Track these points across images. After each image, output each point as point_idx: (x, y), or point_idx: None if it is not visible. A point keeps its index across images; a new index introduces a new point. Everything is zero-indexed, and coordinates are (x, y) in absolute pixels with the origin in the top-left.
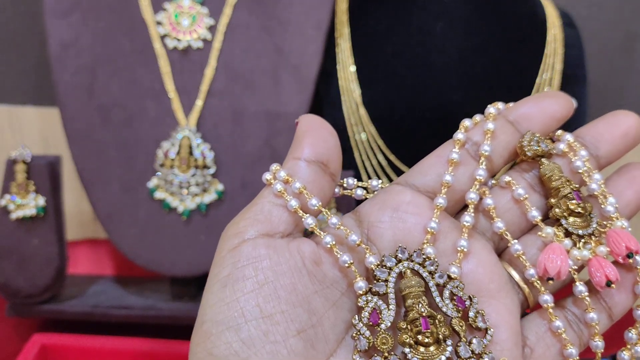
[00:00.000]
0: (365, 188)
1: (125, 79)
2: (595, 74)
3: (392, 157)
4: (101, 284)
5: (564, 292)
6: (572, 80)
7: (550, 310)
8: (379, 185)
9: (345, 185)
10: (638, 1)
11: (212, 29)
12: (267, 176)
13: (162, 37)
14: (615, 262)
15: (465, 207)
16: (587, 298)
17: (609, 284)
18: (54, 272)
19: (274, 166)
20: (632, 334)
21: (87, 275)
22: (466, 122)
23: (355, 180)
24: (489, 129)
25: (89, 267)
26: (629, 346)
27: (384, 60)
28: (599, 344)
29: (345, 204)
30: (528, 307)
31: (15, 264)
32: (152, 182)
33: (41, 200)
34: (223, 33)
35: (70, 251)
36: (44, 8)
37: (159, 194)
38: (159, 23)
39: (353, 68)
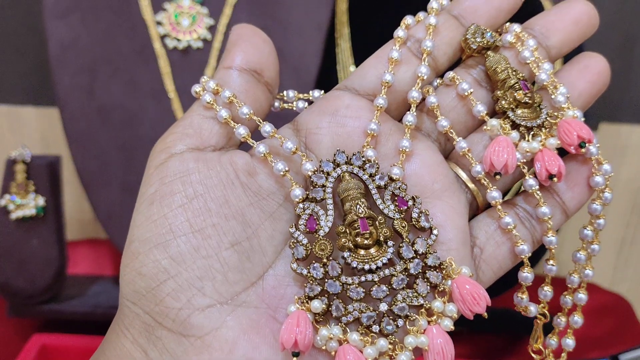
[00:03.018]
0: (307, 100)
1: (125, 79)
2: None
3: None
4: (101, 284)
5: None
6: None
7: (499, 207)
8: (321, 96)
9: (285, 98)
10: (637, 3)
11: (212, 29)
12: (197, 88)
13: (162, 37)
14: (571, 155)
15: (409, 109)
16: (537, 192)
17: (551, 177)
18: (54, 273)
19: (204, 77)
20: (587, 230)
21: (87, 275)
22: (408, 19)
23: (296, 92)
24: (431, 23)
25: (89, 267)
26: (584, 245)
27: None
28: (552, 239)
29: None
30: (478, 209)
31: (15, 264)
32: None
33: (41, 200)
34: (223, 33)
35: (70, 251)
36: (43, 9)
37: None
38: (159, 23)
39: (353, 68)
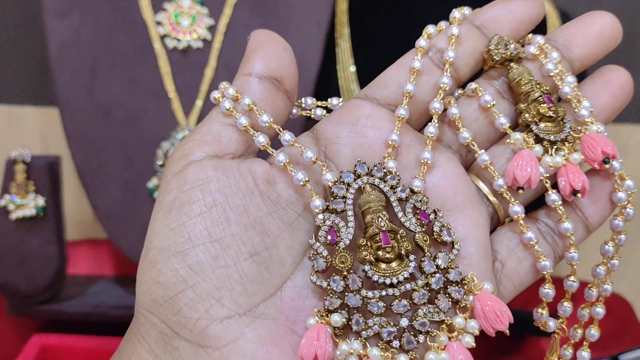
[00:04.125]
0: (325, 107)
1: (125, 79)
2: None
3: None
4: (101, 284)
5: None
6: None
7: (521, 221)
8: (339, 104)
9: (303, 105)
10: (638, 1)
11: (212, 29)
12: (216, 95)
13: (162, 37)
14: (593, 170)
15: (430, 120)
16: (560, 207)
17: (575, 192)
18: (54, 272)
19: (223, 84)
20: (608, 246)
21: (87, 275)
22: (430, 29)
23: (314, 99)
24: (453, 33)
25: (89, 267)
26: (604, 260)
27: (384, 60)
28: (574, 255)
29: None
30: (499, 223)
31: (15, 264)
32: (152, 182)
33: (41, 200)
34: (223, 33)
35: (70, 251)
36: (43, 7)
37: None
38: (158, 23)
39: (353, 68)
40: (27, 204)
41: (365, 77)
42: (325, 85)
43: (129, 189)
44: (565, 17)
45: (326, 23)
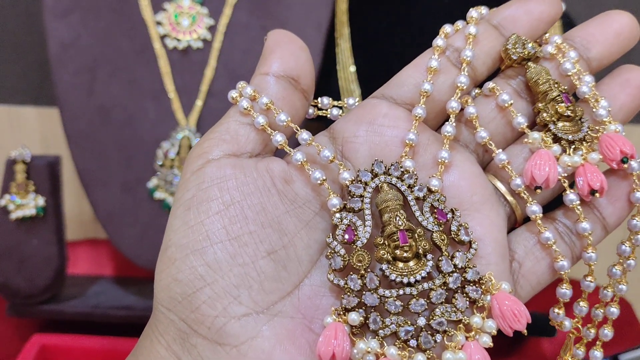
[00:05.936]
0: (341, 107)
1: (125, 79)
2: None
3: None
4: (101, 285)
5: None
6: None
7: (539, 221)
8: (356, 104)
9: (320, 105)
10: (638, 1)
11: (212, 29)
12: (233, 94)
13: (162, 37)
14: (611, 170)
15: (447, 119)
16: (578, 207)
17: (593, 192)
18: (54, 273)
19: (241, 83)
20: (625, 246)
21: (87, 275)
22: (447, 28)
23: (331, 99)
24: (471, 33)
25: (89, 268)
26: (621, 260)
27: (384, 60)
28: (592, 255)
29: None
30: (516, 222)
31: (15, 264)
32: (152, 182)
33: (41, 201)
34: (223, 33)
35: (70, 251)
36: (43, 8)
37: (159, 194)
38: (158, 23)
39: (353, 68)
40: (27, 204)
41: (365, 77)
42: (325, 85)
43: (129, 189)
44: (565, 17)
45: (326, 23)
